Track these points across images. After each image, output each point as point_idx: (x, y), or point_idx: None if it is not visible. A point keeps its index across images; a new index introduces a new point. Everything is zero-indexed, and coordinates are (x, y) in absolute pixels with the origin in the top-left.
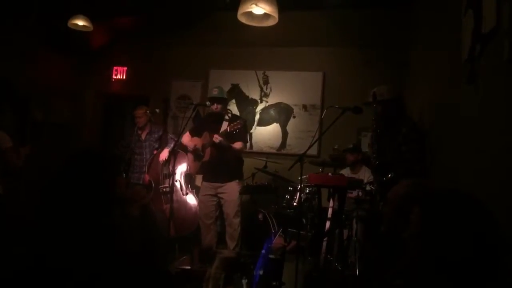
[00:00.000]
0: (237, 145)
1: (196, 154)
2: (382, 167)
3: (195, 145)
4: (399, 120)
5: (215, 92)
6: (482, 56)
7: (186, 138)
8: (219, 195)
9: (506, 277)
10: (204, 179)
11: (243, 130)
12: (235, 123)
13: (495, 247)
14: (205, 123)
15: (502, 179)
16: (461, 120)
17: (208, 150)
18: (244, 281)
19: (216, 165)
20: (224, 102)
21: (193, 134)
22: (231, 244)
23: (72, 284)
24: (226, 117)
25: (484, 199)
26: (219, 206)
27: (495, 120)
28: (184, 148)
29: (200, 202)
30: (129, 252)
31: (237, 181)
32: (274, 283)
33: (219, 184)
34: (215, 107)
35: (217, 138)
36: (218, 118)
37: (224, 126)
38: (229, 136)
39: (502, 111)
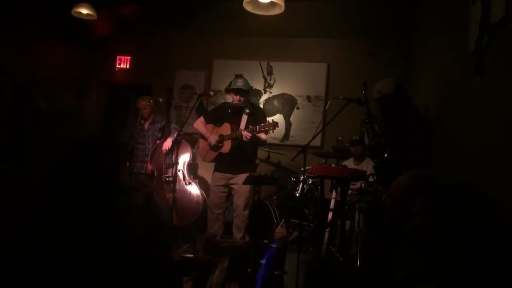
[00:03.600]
0: (264, 136)
1: (215, 145)
2: (376, 148)
3: (216, 139)
4: (404, 111)
5: (240, 84)
6: (490, 46)
7: (201, 125)
8: (230, 186)
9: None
10: (216, 169)
11: (265, 118)
12: (266, 124)
13: (501, 239)
14: (225, 113)
15: (510, 173)
16: (467, 112)
17: (228, 142)
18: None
19: (233, 157)
20: (247, 94)
21: (208, 121)
22: (237, 235)
23: (77, 272)
24: (247, 110)
25: (490, 192)
26: (229, 197)
27: (503, 112)
28: (200, 134)
29: (211, 191)
30: (134, 240)
31: (249, 173)
32: (277, 272)
33: (232, 175)
34: (238, 98)
35: (246, 137)
36: (238, 110)
37: (244, 118)
38: (258, 133)
39: (509, 103)
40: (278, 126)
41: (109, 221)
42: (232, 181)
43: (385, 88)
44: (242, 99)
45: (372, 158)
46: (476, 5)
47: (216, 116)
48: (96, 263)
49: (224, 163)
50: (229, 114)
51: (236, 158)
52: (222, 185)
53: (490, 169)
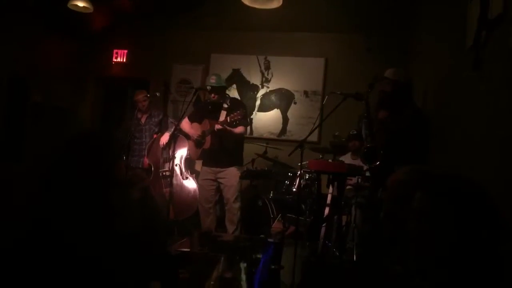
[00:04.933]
0: (238, 129)
1: (198, 142)
2: (369, 154)
3: (198, 135)
4: (404, 106)
5: (212, 81)
6: (488, 42)
7: (186, 125)
8: (218, 180)
9: (509, 264)
10: (204, 164)
11: (243, 111)
12: (234, 113)
13: (498, 233)
14: (204, 110)
15: (506, 168)
16: (465, 107)
17: (208, 138)
18: (242, 265)
19: (216, 152)
20: (222, 90)
21: (192, 120)
22: (230, 228)
23: (74, 266)
24: (225, 105)
25: (486, 186)
26: (219, 190)
27: (500, 108)
28: (185, 133)
29: (200, 186)
30: (130, 234)
31: (237, 166)
32: (273, 266)
33: (219, 169)
34: (213, 96)
35: (217, 127)
36: (217, 106)
37: (223, 114)
38: (230, 125)
39: (507, 98)
40: (243, 112)
41: (106, 215)
42: (219, 175)
43: (396, 74)
44: (216, 95)
45: (365, 164)
46: (475, 1)
47: (198, 114)
48: (93, 257)
49: (209, 158)
50: (210, 111)
51: (218, 152)
52: (210, 179)
53: (487, 164)
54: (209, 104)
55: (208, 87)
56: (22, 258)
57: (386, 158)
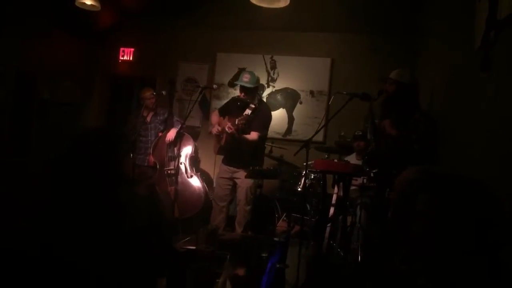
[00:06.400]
0: (251, 136)
1: (217, 137)
2: (371, 160)
3: (218, 130)
4: (411, 108)
5: (245, 80)
6: (496, 43)
7: (214, 117)
8: (235, 179)
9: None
10: (222, 162)
11: (264, 117)
12: (241, 117)
13: (503, 234)
14: (232, 106)
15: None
16: (473, 108)
17: (225, 135)
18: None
19: (231, 151)
20: (252, 91)
21: (220, 113)
22: (238, 229)
23: (80, 263)
24: (252, 105)
25: (495, 187)
26: (234, 190)
27: (508, 109)
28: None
29: (216, 184)
30: (137, 230)
31: (252, 167)
32: (278, 265)
33: (235, 169)
34: (243, 95)
35: (229, 129)
36: (243, 104)
37: (246, 113)
38: (237, 128)
39: None
40: (248, 117)
41: (112, 212)
42: (235, 175)
43: (399, 75)
44: (246, 95)
45: (367, 169)
46: (483, 1)
47: (226, 109)
48: (99, 254)
49: (227, 156)
50: (236, 108)
51: (234, 152)
52: (226, 178)
53: (494, 165)
54: (237, 100)
55: (214, 86)
56: (27, 255)
57: (396, 160)
